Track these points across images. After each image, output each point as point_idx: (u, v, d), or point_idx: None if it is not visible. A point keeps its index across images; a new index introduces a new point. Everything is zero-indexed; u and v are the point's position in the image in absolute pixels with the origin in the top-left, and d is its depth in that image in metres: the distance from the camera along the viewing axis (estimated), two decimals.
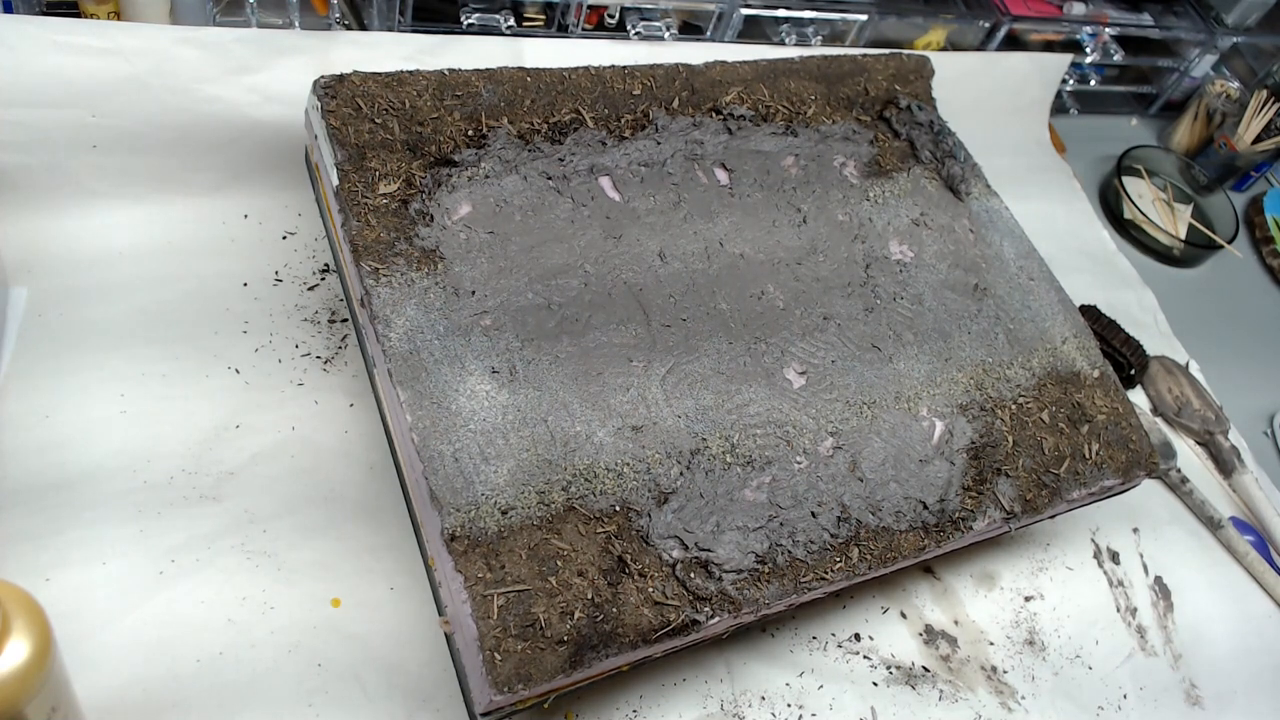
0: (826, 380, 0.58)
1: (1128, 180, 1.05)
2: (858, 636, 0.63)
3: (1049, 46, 1.07)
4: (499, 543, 0.46)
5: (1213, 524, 0.80)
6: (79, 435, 0.54)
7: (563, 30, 0.85)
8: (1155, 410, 0.87)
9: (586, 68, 0.62)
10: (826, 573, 0.52)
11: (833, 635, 0.62)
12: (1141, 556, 0.75)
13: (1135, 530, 0.77)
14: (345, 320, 0.64)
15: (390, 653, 0.53)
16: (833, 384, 0.58)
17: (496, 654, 0.44)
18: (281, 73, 0.70)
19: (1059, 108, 1.11)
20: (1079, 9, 1.07)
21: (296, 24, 0.77)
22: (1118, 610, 0.71)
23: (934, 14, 0.98)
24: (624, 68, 0.63)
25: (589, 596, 0.46)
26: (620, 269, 0.57)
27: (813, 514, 0.53)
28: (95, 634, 0.49)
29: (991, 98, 0.99)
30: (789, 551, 0.52)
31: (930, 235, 0.68)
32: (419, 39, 0.75)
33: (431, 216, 0.54)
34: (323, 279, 0.65)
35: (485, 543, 0.46)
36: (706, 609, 0.49)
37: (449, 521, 0.46)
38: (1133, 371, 0.85)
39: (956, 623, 0.66)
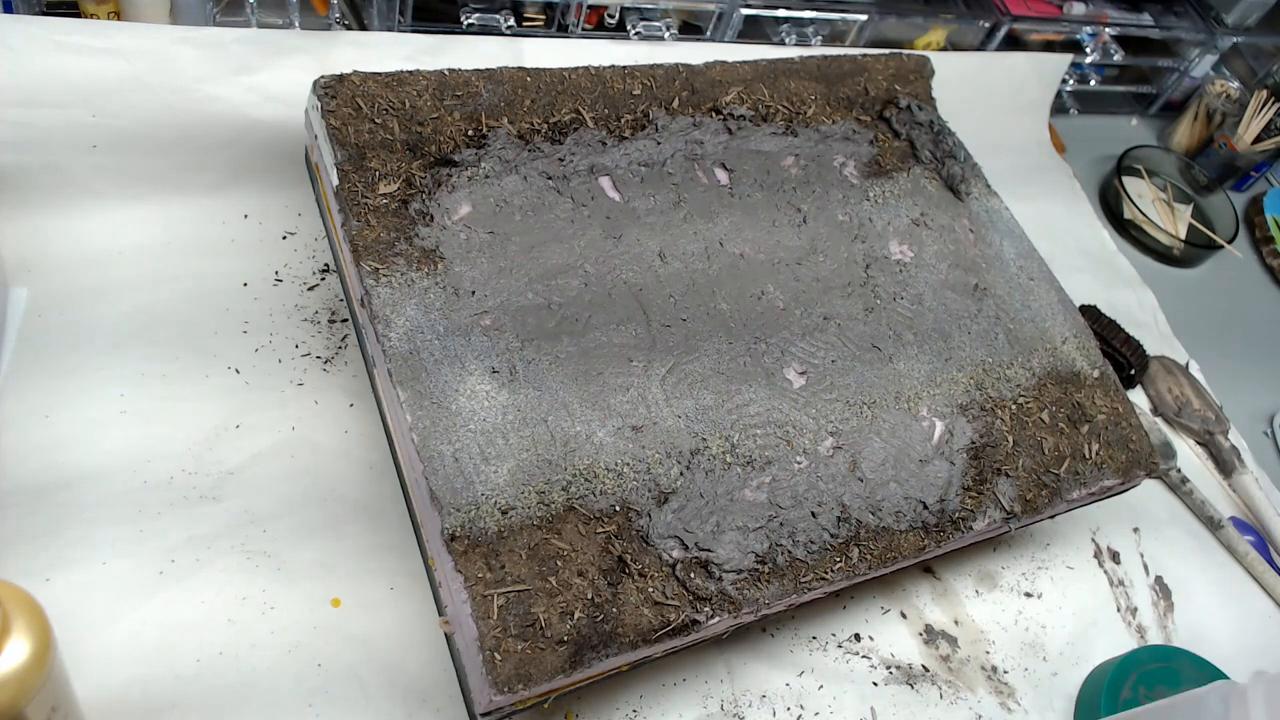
0: (826, 380, 0.58)
1: (1128, 180, 1.05)
2: (858, 636, 0.63)
3: (1049, 46, 1.07)
4: (499, 543, 0.46)
5: (1213, 524, 0.80)
6: (79, 435, 0.54)
7: (563, 30, 0.85)
8: (1155, 410, 0.87)
9: (586, 68, 0.62)
10: (826, 573, 0.52)
11: (833, 635, 0.62)
12: (1142, 556, 0.75)
13: (1135, 530, 0.77)
14: (345, 320, 0.64)
15: (390, 653, 0.53)
16: (833, 384, 0.58)
17: (496, 654, 0.44)
18: (281, 73, 0.70)
19: (1059, 108, 1.11)
20: (1079, 9, 1.07)
21: (296, 24, 0.77)
22: (1118, 610, 0.71)
23: (934, 14, 0.98)
24: (624, 68, 0.63)
25: (589, 596, 0.46)
26: (620, 269, 0.57)
27: (813, 514, 0.53)
28: (95, 634, 0.49)
29: (991, 98, 0.99)
30: (789, 551, 0.52)
31: (930, 235, 0.68)
32: (419, 39, 0.75)
33: (431, 216, 0.54)
34: (323, 279, 0.65)
35: (485, 543, 0.46)
36: (706, 609, 0.49)
37: (449, 521, 0.46)
38: (1133, 371, 0.85)
39: (956, 623, 0.66)
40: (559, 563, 0.47)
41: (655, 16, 0.88)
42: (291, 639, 0.52)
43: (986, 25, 1.00)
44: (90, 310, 0.59)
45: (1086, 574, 0.72)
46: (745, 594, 0.50)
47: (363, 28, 0.79)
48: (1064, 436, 0.63)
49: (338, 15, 0.79)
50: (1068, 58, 1.04)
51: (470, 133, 0.57)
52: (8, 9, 0.69)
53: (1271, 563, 0.79)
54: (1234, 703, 0.47)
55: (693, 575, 0.49)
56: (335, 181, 0.53)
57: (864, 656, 0.62)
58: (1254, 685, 0.47)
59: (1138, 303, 0.96)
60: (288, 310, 0.63)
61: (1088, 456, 0.63)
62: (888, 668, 0.62)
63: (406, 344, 0.50)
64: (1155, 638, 0.71)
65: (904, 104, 0.72)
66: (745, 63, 0.68)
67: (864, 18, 0.94)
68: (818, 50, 0.87)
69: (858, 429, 0.57)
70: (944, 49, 1.01)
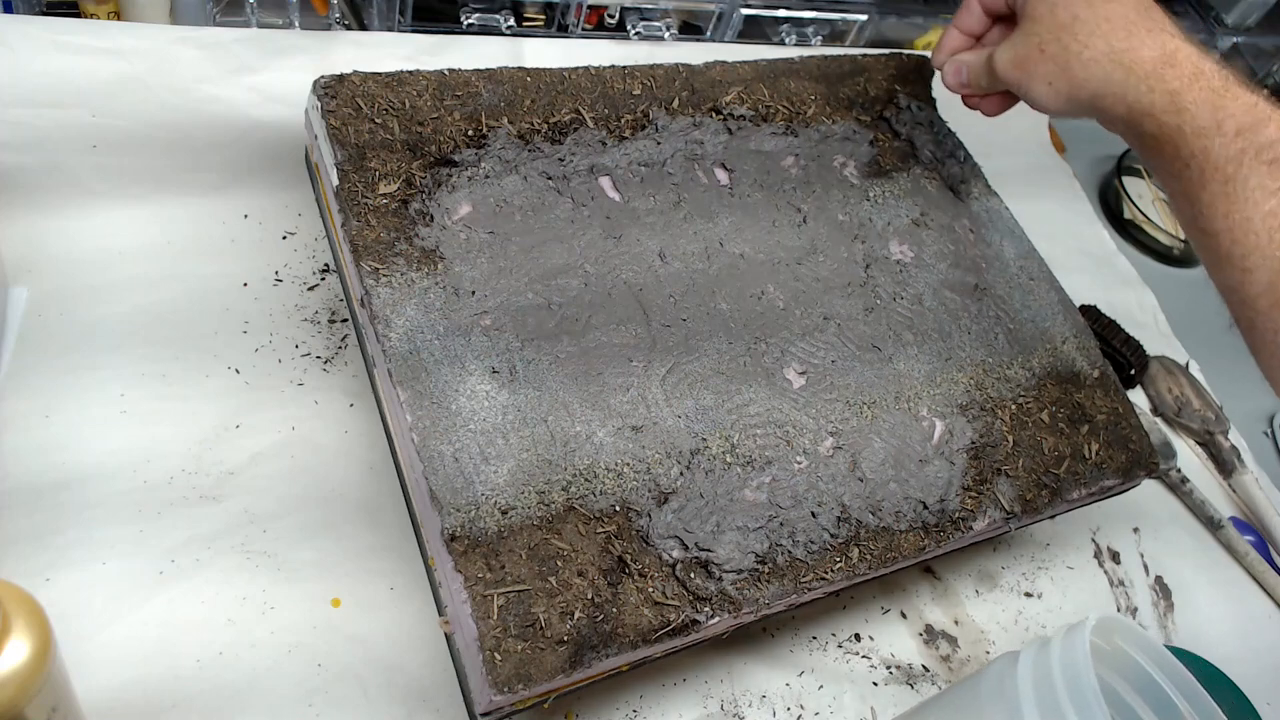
0: (826, 380, 0.58)
1: (1128, 180, 1.05)
2: (858, 636, 0.63)
3: None
4: (499, 543, 0.46)
5: (1213, 524, 0.80)
6: (79, 435, 0.54)
7: (563, 30, 0.85)
8: (1155, 410, 0.87)
9: (586, 68, 0.62)
10: (826, 573, 0.52)
11: (833, 635, 0.62)
12: (1142, 556, 0.75)
13: (1136, 530, 0.77)
14: (345, 320, 0.64)
15: (390, 653, 0.53)
16: (833, 384, 0.58)
17: (496, 654, 0.44)
18: (281, 73, 0.70)
19: None
20: None
21: (296, 24, 0.77)
22: (1118, 610, 0.71)
23: (934, 14, 0.98)
24: (624, 68, 0.63)
25: (589, 596, 0.46)
26: (620, 269, 0.57)
27: (813, 514, 0.53)
28: (95, 634, 0.49)
29: None
30: (789, 551, 0.52)
31: (930, 235, 0.68)
32: (419, 39, 0.75)
33: (431, 216, 0.54)
34: (323, 279, 0.65)
35: (485, 543, 0.46)
36: (706, 609, 0.49)
37: (449, 521, 0.46)
38: (1133, 371, 0.85)
39: (956, 623, 0.66)
40: (559, 563, 0.47)
41: (655, 16, 0.88)
42: (291, 639, 0.52)
43: None
44: (90, 310, 0.59)
45: (1086, 574, 0.72)
46: (745, 594, 0.50)
47: (363, 28, 0.80)
48: (1064, 436, 0.63)
49: (338, 15, 0.79)
50: None
51: (470, 133, 0.57)
52: (8, 9, 0.69)
53: (1271, 563, 0.79)
54: (1010, 668, 0.49)
55: (693, 575, 0.49)
56: (335, 181, 0.53)
57: (864, 656, 0.62)
58: (1025, 651, 0.49)
59: (1138, 303, 0.96)
60: (288, 310, 0.63)
61: (1088, 456, 0.63)
62: (888, 668, 0.62)
63: (406, 344, 0.50)
64: (1155, 638, 0.71)
65: (904, 104, 0.72)
66: (745, 63, 0.68)
67: (864, 18, 0.94)
68: (818, 50, 0.87)
69: (858, 429, 0.57)
70: None
